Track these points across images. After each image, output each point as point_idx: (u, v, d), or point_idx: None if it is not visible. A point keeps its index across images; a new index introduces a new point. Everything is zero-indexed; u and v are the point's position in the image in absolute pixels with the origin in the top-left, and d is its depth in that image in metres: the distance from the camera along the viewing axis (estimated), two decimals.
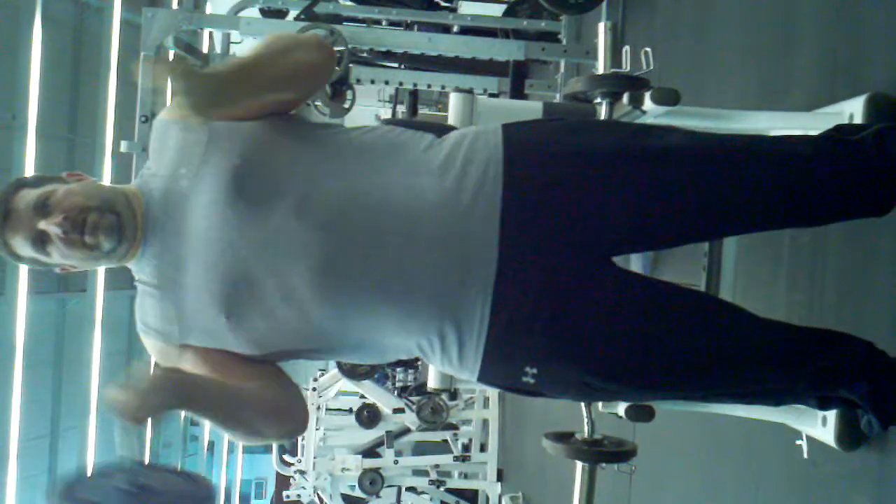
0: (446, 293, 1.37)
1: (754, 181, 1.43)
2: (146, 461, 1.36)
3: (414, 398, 7.20)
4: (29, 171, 8.52)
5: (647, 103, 1.88)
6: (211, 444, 16.26)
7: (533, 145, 1.43)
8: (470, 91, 4.95)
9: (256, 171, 1.39)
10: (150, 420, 1.31)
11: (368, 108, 8.92)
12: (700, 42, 3.30)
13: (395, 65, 5.84)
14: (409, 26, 6.02)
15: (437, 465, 7.31)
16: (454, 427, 7.37)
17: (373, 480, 7.07)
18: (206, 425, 15.07)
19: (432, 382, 2.22)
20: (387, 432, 7.18)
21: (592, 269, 1.40)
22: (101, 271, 8.83)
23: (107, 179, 10.04)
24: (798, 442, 1.93)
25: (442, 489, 7.45)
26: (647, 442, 2.22)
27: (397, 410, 7.09)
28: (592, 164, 1.40)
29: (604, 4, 4.56)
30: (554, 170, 1.39)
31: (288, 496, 8.51)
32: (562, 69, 5.16)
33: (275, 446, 8.73)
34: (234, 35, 5.34)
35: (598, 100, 2.00)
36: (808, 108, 2.04)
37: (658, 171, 1.40)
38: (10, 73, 8.71)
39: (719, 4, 3.20)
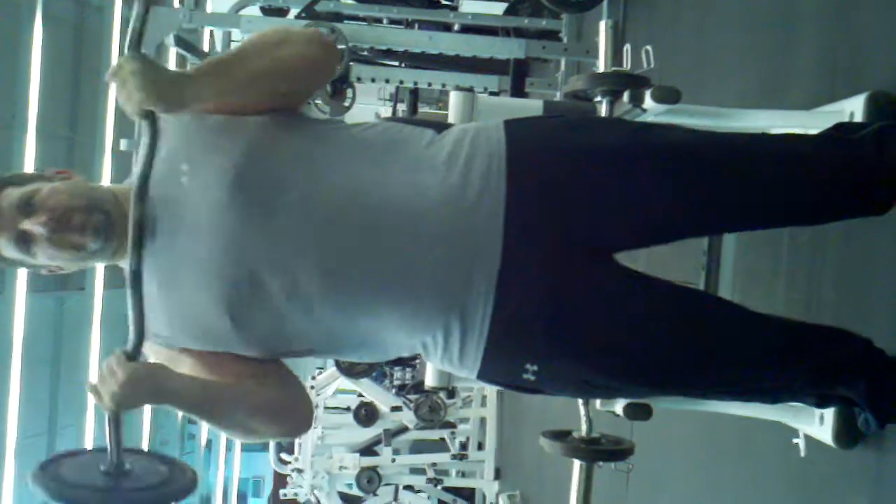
0: (451, 290, 1.36)
1: (754, 179, 1.44)
2: (129, 446, 1.37)
3: (412, 396, 7.20)
4: (29, 169, 8.50)
5: (648, 102, 1.88)
6: (208, 443, 16.25)
7: (535, 142, 1.43)
8: (470, 89, 4.94)
9: (258, 169, 1.37)
10: (126, 410, 1.33)
11: (369, 106, 8.92)
12: (700, 40, 3.30)
13: (396, 63, 5.85)
14: (409, 24, 6.02)
15: (434, 464, 7.31)
16: (452, 425, 7.37)
17: (370, 479, 7.07)
18: (204, 423, 15.00)
19: (430, 381, 2.22)
20: (384, 430, 7.18)
21: (594, 266, 1.40)
22: (99, 269, 8.83)
23: (107, 178, 10.04)
24: (795, 440, 1.93)
25: (439, 487, 7.45)
26: (644, 440, 2.23)
27: (395, 409, 7.10)
28: (594, 161, 1.40)
29: (605, 3, 4.56)
30: (556, 167, 1.39)
31: (285, 494, 8.51)
32: (562, 67, 5.17)
33: (272, 444, 8.73)
34: (235, 33, 5.33)
35: (599, 98, 2.00)
36: (808, 107, 2.04)
37: (659, 167, 1.40)
38: (11, 72, 8.71)
39: (720, 3, 3.20)
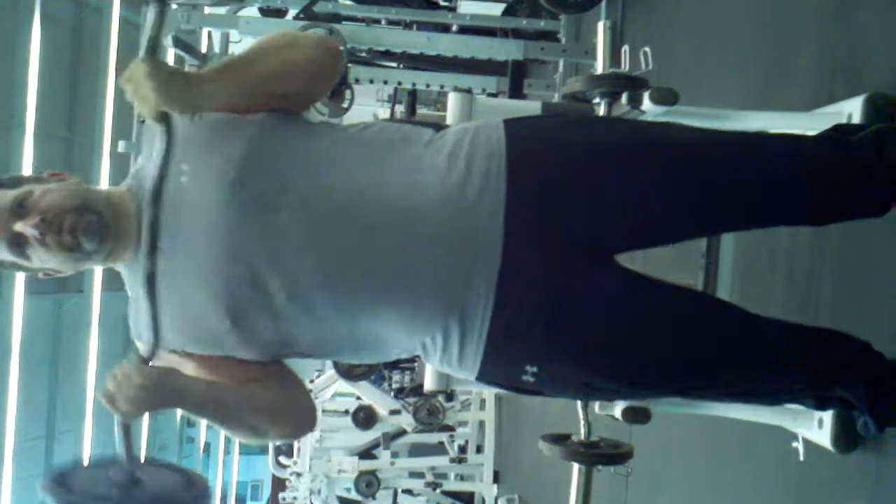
0: (451, 291, 1.36)
1: (753, 179, 1.43)
2: (143, 456, 1.36)
3: (410, 400, 7.19)
4: (27, 170, 8.51)
5: (646, 103, 1.88)
6: (207, 446, 16.26)
7: (535, 141, 1.43)
8: (469, 90, 4.95)
9: (258, 169, 1.37)
10: (141, 416, 1.32)
11: (367, 107, 8.92)
12: (699, 42, 3.30)
13: (394, 64, 5.83)
14: (408, 25, 6.01)
15: (433, 467, 7.31)
16: (450, 429, 7.37)
17: (369, 482, 7.07)
18: (203, 427, 15.08)
19: (429, 384, 2.21)
20: (383, 434, 7.18)
21: (594, 267, 1.40)
22: (97, 271, 8.83)
23: (105, 180, 10.04)
24: (794, 444, 1.92)
25: (438, 491, 7.45)
26: (643, 444, 2.22)
27: (394, 412, 7.09)
28: (594, 160, 1.40)
29: (603, 4, 4.56)
30: (556, 166, 1.39)
31: (284, 498, 8.50)
32: (560, 69, 5.17)
33: (271, 448, 8.72)
34: (233, 34, 5.33)
35: (597, 99, 2.00)
36: (806, 108, 2.04)
37: (660, 166, 1.40)
38: (9, 72, 8.70)
39: (719, 4, 3.20)
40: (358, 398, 7.47)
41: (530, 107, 2.37)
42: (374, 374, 7.46)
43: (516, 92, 5.09)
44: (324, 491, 7.45)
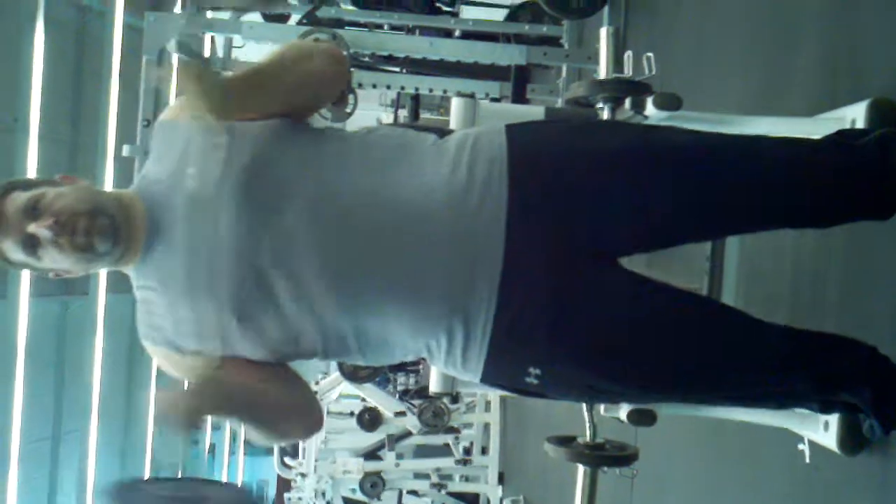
0: (455, 293, 1.37)
1: (754, 181, 1.44)
2: (195, 474, 1.37)
3: (415, 401, 7.19)
4: (31, 173, 8.52)
5: (650, 108, 1.88)
6: (212, 447, 16.24)
7: (537, 146, 1.44)
8: (472, 96, 4.95)
9: (266, 172, 1.39)
10: (201, 426, 1.32)
11: (370, 112, 8.92)
12: (701, 47, 3.30)
13: (397, 69, 5.83)
14: (410, 31, 6.01)
15: (438, 469, 7.30)
16: (455, 430, 7.36)
17: (374, 483, 7.07)
18: (208, 428, 15.08)
19: (434, 386, 2.22)
20: (388, 435, 7.17)
21: (597, 270, 1.41)
22: (103, 274, 8.83)
23: (108, 183, 10.04)
24: (800, 446, 1.93)
25: (443, 492, 7.44)
26: (648, 446, 2.22)
27: (399, 414, 7.08)
28: (596, 164, 1.41)
29: (605, 9, 4.56)
30: (558, 171, 1.40)
31: (289, 499, 8.50)
32: (563, 74, 5.16)
33: (276, 449, 8.72)
34: (237, 39, 5.34)
35: (600, 105, 2.00)
36: (809, 113, 2.04)
37: (663, 170, 1.41)
38: (12, 76, 8.70)
39: (720, 9, 3.20)
40: (363, 400, 7.47)
41: (533, 112, 2.37)
42: (378, 376, 7.46)
43: (519, 97, 5.09)
44: (329, 492, 7.43)
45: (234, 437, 17.38)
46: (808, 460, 1.91)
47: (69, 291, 10.26)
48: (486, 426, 7.31)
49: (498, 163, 1.39)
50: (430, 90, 5.37)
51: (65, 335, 10.73)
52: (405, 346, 1.47)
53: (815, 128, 1.86)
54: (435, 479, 7.29)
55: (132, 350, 11.30)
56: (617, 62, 2.04)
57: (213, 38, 5.77)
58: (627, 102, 1.92)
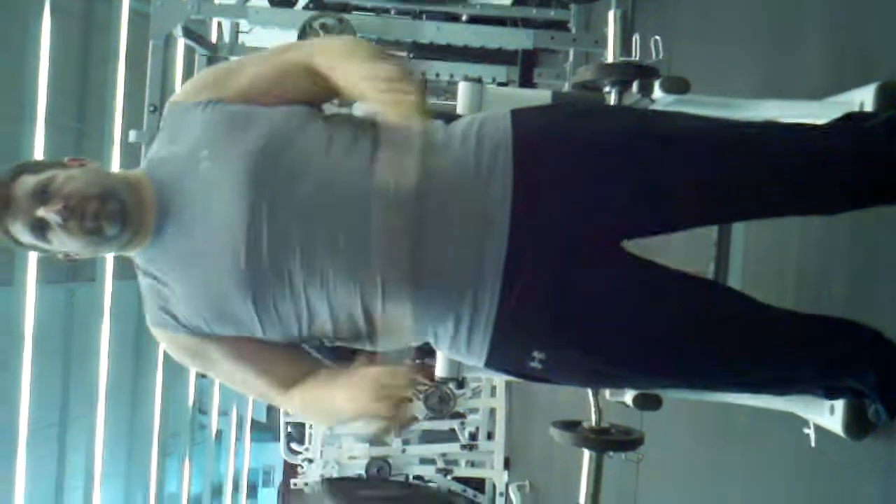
0: (466, 278, 1.38)
1: (765, 166, 1.43)
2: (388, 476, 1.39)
3: (421, 387, 7.21)
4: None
5: (657, 92, 1.88)
6: (219, 433, 16.30)
7: (542, 131, 1.44)
8: (479, 80, 4.93)
9: (278, 154, 1.40)
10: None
11: None
12: (709, 30, 3.29)
13: (404, 54, 5.82)
14: (417, 15, 6.00)
15: (444, 454, 7.33)
16: (461, 416, 7.39)
17: (380, 468, 7.09)
18: (214, 413, 15.12)
19: (440, 371, 2.23)
20: None
21: (602, 254, 1.41)
22: (109, 260, 8.86)
23: (115, 170, 10.02)
24: (806, 430, 1.93)
25: (449, 477, 7.47)
26: (654, 430, 2.23)
27: None
28: (602, 148, 1.40)
29: None
30: (563, 156, 1.40)
31: (296, 484, 8.54)
32: (571, 58, 5.14)
33: (282, 434, 8.77)
34: (243, 24, 5.32)
35: (608, 88, 2.00)
36: (817, 96, 2.03)
37: (670, 152, 1.40)
38: (19, 63, 8.71)
39: None
40: None
41: (541, 96, 2.36)
42: None
43: (526, 81, 5.08)
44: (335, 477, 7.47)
45: (240, 423, 17.44)
46: (813, 444, 1.91)
47: (76, 278, 10.32)
48: (492, 411, 7.32)
49: (503, 148, 1.39)
50: (437, 75, 5.35)
51: (72, 321, 10.79)
52: (415, 331, 1.47)
53: (823, 111, 1.85)
54: (441, 464, 7.32)
55: (139, 336, 11.36)
56: (624, 46, 2.04)
57: (219, 22, 5.76)
58: (635, 86, 1.92)
